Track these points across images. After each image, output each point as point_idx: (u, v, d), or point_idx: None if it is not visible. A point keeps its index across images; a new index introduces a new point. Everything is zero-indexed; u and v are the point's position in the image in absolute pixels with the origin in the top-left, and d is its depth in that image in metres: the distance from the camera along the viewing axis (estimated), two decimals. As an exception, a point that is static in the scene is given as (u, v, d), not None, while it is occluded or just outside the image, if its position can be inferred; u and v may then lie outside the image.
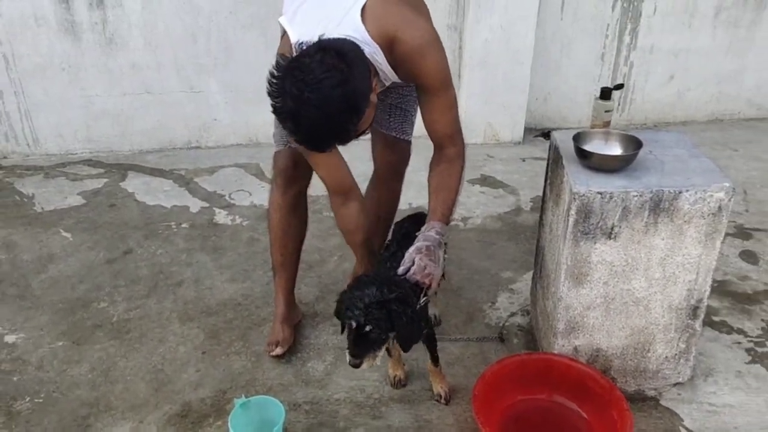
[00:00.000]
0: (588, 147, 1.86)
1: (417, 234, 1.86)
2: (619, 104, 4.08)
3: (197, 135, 3.95)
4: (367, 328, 1.66)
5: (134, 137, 3.89)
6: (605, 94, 2.06)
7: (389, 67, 1.80)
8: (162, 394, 2.12)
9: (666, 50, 3.97)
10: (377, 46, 1.71)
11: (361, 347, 1.68)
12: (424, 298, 1.80)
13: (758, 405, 2.03)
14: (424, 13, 1.90)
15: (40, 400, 2.10)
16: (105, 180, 3.60)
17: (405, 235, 2.02)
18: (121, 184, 3.55)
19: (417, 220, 2.09)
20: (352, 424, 1.98)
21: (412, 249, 1.80)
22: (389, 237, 2.16)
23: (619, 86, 2.27)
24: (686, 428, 1.96)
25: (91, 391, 2.14)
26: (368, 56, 1.69)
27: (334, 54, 1.57)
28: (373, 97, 1.69)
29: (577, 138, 1.90)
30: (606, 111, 2.07)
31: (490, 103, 3.83)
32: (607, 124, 2.08)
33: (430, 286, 1.80)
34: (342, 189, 1.99)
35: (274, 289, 2.35)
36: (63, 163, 3.79)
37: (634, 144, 1.89)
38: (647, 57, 3.98)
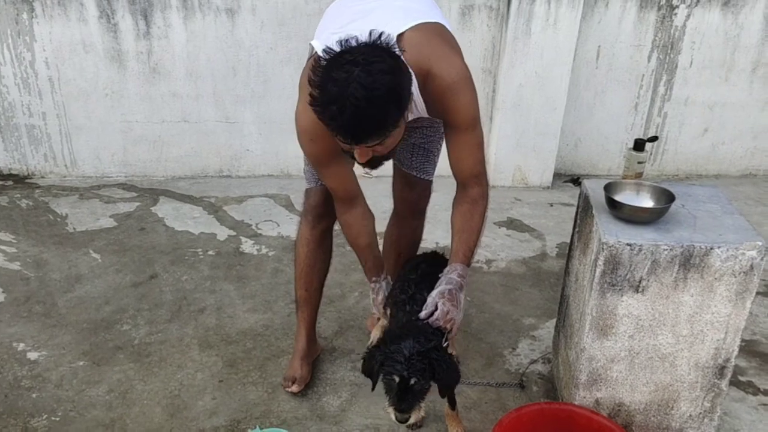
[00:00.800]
0: (619, 198, 1.85)
1: (439, 276, 1.85)
2: (651, 155, 4.06)
3: (229, 164, 4.02)
4: (412, 381, 1.64)
5: (168, 163, 3.98)
6: (639, 145, 2.05)
7: (420, 98, 1.80)
8: (177, 420, 2.12)
9: (701, 103, 3.95)
10: (413, 72, 1.69)
11: (407, 401, 1.66)
12: (446, 343, 1.78)
13: (786, 472, 1.96)
14: (459, 51, 1.88)
15: (57, 419, 2.12)
16: (137, 204, 3.67)
17: (423, 275, 1.99)
18: (152, 208, 3.62)
19: (433, 260, 2.09)
20: (365, 464, 1.96)
21: (435, 293, 1.79)
22: (402, 276, 2.11)
23: (654, 138, 2.26)
24: (710, 492, 1.89)
25: (107, 412, 2.15)
26: None
27: (384, 48, 1.57)
28: (408, 114, 1.68)
29: (609, 188, 1.89)
30: (639, 162, 2.06)
31: (520, 147, 3.84)
32: (639, 175, 2.06)
33: (451, 330, 1.78)
34: (348, 196, 1.99)
35: (297, 323, 2.36)
36: (98, 186, 3.88)
37: (666, 197, 1.87)
38: (682, 109, 3.96)
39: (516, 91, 3.69)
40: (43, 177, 3.94)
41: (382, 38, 1.58)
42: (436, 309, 1.75)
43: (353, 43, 1.56)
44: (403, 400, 1.65)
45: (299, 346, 2.31)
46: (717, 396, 1.92)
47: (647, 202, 1.90)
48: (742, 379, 2.33)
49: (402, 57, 1.63)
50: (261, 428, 1.89)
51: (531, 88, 3.68)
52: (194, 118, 3.86)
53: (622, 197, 1.87)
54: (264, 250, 3.18)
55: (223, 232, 3.37)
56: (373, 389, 1.75)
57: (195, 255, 3.14)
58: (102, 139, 3.88)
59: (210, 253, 3.16)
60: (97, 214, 3.53)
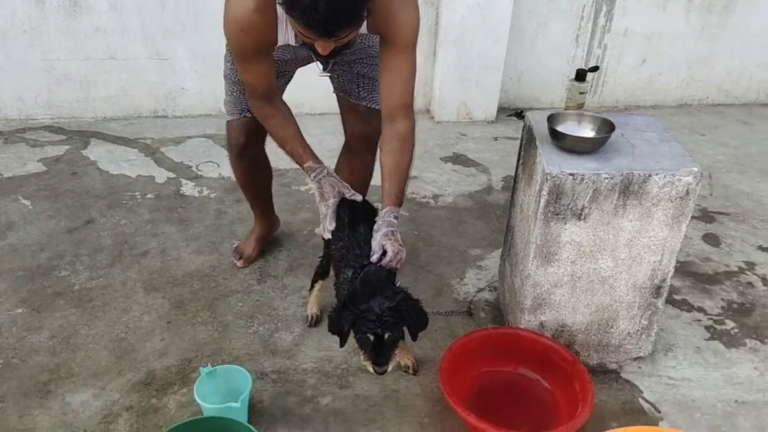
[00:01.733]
0: (561, 128, 1.87)
1: (376, 220, 1.88)
2: (591, 86, 4.11)
3: (164, 103, 3.85)
4: (386, 336, 1.67)
5: (97, 104, 3.79)
6: (580, 76, 2.07)
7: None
8: (125, 362, 2.08)
9: (639, 33, 4.00)
10: None
11: (383, 355, 1.69)
12: (398, 282, 1.82)
13: (715, 379, 2.09)
14: None
15: (-1, 367, 2.06)
16: (66, 147, 3.49)
17: (354, 217, 1.97)
18: (83, 151, 3.46)
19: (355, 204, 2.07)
20: (320, 393, 1.99)
21: (378, 236, 1.81)
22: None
23: (595, 68, 2.27)
24: (645, 400, 2.01)
25: (51, 357, 2.10)
26: None
27: None
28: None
29: (551, 119, 1.91)
30: (580, 93, 2.08)
31: (464, 81, 3.82)
32: (581, 106, 2.09)
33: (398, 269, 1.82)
34: (269, 92, 1.97)
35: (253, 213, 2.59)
36: (23, 129, 3.67)
37: (606, 126, 1.90)
38: (621, 40, 4.01)
39: (458, 23, 3.64)
40: (-38, 121, 3.69)
41: None
42: (384, 252, 1.78)
43: None
44: (380, 354, 1.69)
45: (256, 229, 2.59)
46: (654, 314, 2.02)
47: (588, 132, 1.93)
48: (677, 297, 2.46)
49: None
50: (213, 366, 1.88)
51: (473, 20, 3.63)
52: (122, 54, 3.66)
53: (564, 128, 1.89)
54: (206, 192, 3.10)
55: (161, 175, 3.25)
56: (342, 346, 1.77)
57: (133, 198, 3.03)
58: (24, 79, 3.64)
59: (149, 196, 3.06)
60: (24, 159, 3.34)
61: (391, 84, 1.87)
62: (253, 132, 2.20)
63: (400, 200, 1.90)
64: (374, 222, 1.89)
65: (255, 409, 1.91)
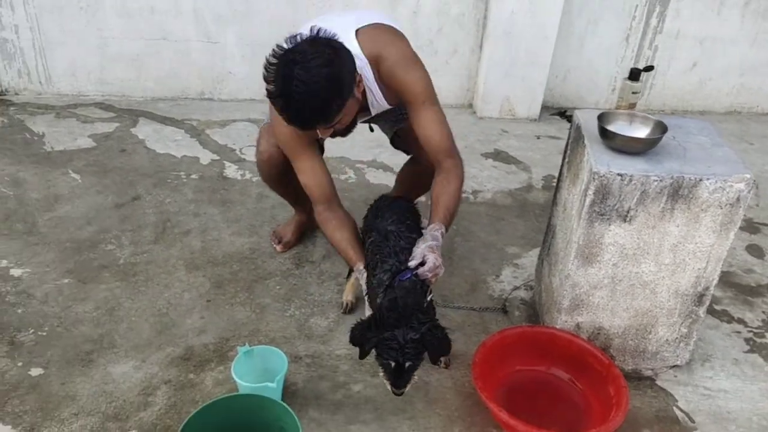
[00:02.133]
0: (612, 128, 1.85)
1: (424, 230, 1.93)
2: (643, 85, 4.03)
3: (210, 86, 3.91)
4: (407, 365, 1.70)
5: (147, 83, 3.86)
6: (634, 75, 2.03)
7: (377, 86, 2.00)
8: (165, 336, 2.14)
9: (692, 36, 3.91)
10: (366, 61, 1.93)
11: (402, 379, 1.73)
12: (431, 296, 1.82)
13: (752, 392, 2.06)
14: (406, 39, 2.05)
15: (44, 333, 2.13)
16: (116, 124, 3.58)
17: (400, 224, 2.00)
18: (132, 129, 3.54)
19: (400, 207, 2.10)
20: (352, 380, 2.01)
21: (423, 246, 1.83)
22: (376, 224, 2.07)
23: (649, 68, 2.21)
24: (680, 408, 1.99)
25: (95, 328, 2.16)
26: (358, 69, 1.86)
27: (323, 42, 1.76)
28: (356, 92, 1.85)
29: (602, 118, 1.88)
30: (633, 93, 2.04)
31: (509, 77, 3.78)
32: (632, 105, 2.05)
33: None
34: (325, 198, 2.09)
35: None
36: (75, 104, 3.77)
37: (658, 128, 1.87)
38: (672, 42, 3.91)
39: (508, 18, 3.60)
40: (17, 94, 3.80)
41: (320, 33, 1.77)
42: (424, 262, 1.79)
43: (298, 39, 1.76)
44: (399, 378, 1.72)
45: (296, 217, 2.62)
46: (694, 322, 1.99)
47: (640, 132, 1.90)
48: (717, 308, 2.42)
49: (343, 46, 1.80)
50: (250, 346, 1.92)
51: (523, 15, 3.59)
52: (174, 36, 3.73)
53: (615, 127, 1.87)
54: (248, 175, 3.15)
55: (206, 156, 3.31)
56: (361, 358, 1.79)
57: (178, 178, 3.09)
58: (78, 55, 3.73)
59: (193, 176, 3.12)
60: (75, 134, 3.44)
61: (426, 138, 2.01)
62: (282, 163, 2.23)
63: (447, 221, 1.94)
64: (414, 223, 1.95)
65: (288, 392, 1.95)
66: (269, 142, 2.25)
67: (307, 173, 2.08)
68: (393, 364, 1.70)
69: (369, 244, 2.00)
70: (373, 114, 2.15)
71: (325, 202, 2.09)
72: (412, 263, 1.80)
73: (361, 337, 1.77)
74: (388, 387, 1.76)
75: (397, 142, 2.44)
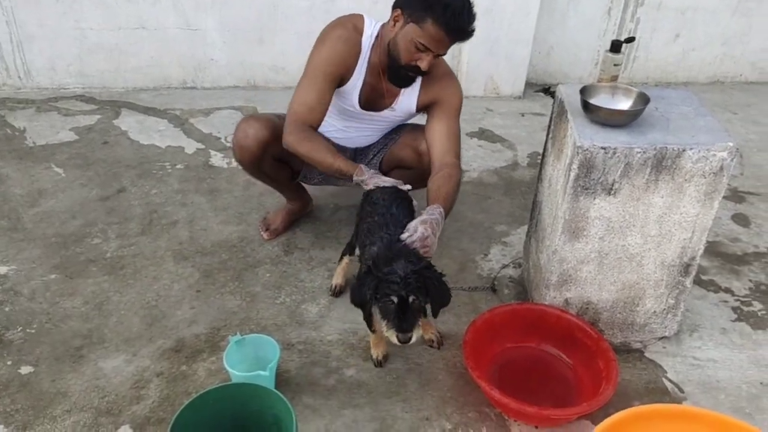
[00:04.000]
0: (594, 101, 1.84)
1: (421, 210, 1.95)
2: (625, 57, 4.02)
3: (193, 75, 3.87)
4: (410, 299, 1.67)
5: (128, 74, 3.82)
6: (615, 47, 2.01)
7: (419, 85, 2.21)
8: (156, 329, 2.13)
9: (674, 7, 3.90)
10: None
11: (407, 320, 1.68)
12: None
13: (741, 361, 2.08)
14: None
15: (33, 331, 2.11)
16: (98, 116, 3.54)
17: (393, 199, 2.01)
18: (114, 121, 3.50)
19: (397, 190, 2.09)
20: (344, 365, 2.02)
21: (417, 220, 1.85)
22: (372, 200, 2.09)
23: (630, 39, 2.18)
24: (669, 380, 2.01)
25: (84, 323, 2.15)
26: None
27: None
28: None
29: (584, 91, 1.88)
30: (615, 65, 2.03)
31: (493, 55, 3.77)
32: (614, 78, 2.04)
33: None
34: (313, 123, 2.13)
35: None
36: (55, 98, 3.72)
37: (640, 99, 1.87)
38: (654, 14, 3.91)
39: (489, -5, 3.58)
40: (-5, 89, 3.75)
41: None
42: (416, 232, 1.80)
43: None
44: (404, 319, 1.68)
45: (286, 205, 2.63)
46: (681, 293, 2.00)
47: (622, 104, 1.90)
48: (704, 278, 2.44)
49: None
50: (241, 335, 1.92)
51: (504, -8, 3.57)
52: (152, 24, 3.67)
53: (598, 100, 1.86)
54: (234, 164, 3.11)
55: (191, 146, 3.29)
56: (366, 317, 1.78)
57: (163, 168, 3.07)
58: (56, 48, 3.68)
59: (179, 166, 3.09)
60: (56, 128, 3.40)
61: (441, 142, 2.16)
62: (267, 143, 2.25)
63: (446, 205, 1.98)
64: (408, 209, 1.97)
65: (281, 379, 1.95)
66: (244, 132, 2.25)
67: (315, 96, 2.10)
68: (396, 300, 1.66)
69: (362, 230, 2.00)
70: (385, 116, 2.30)
71: (309, 123, 2.13)
72: (404, 235, 1.80)
73: (360, 289, 1.74)
74: (393, 339, 1.70)
75: (386, 165, 2.47)
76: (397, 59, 2.05)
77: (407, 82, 2.16)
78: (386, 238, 1.84)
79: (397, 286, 1.66)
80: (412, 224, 1.84)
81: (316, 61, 2.11)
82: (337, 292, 2.29)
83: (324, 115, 2.16)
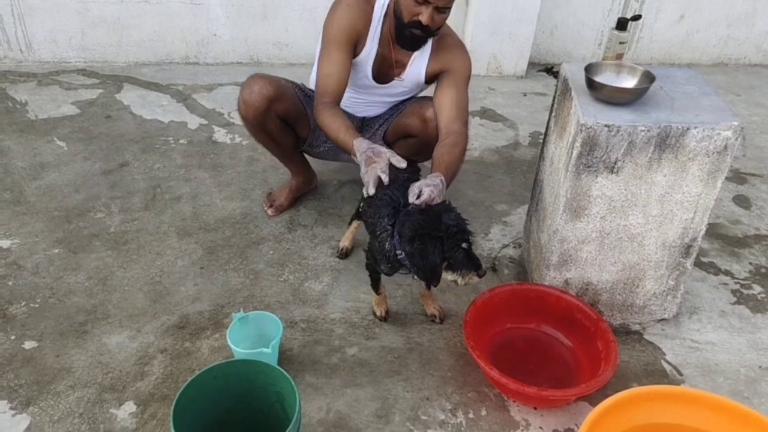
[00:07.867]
0: (599, 78, 1.84)
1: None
2: (631, 35, 3.99)
3: (195, 50, 3.84)
4: (464, 245, 1.72)
5: (130, 48, 3.79)
6: (622, 24, 1.99)
7: (429, 53, 2.23)
8: (160, 305, 2.15)
9: (679, -13, 3.87)
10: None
11: (475, 257, 1.75)
12: None
13: (740, 344, 2.10)
14: None
15: (36, 305, 2.12)
16: (100, 91, 3.52)
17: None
18: (116, 95, 3.49)
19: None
20: (347, 343, 2.03)
21: (420, 182, 1.84)
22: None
23: (637, 17, 2.14)
24: (668, 362, 2.03)
25: (88, 298, 2.16)
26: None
27: None
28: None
29: (589, 69, 1.87)
30: (620, 43, 2.01)
31: (496, 34, 3.74)
32: (620, 56, 2.02)
33: None
34: (336, 93, 2.15)
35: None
36: (57, 71, 3.70)
37: (645, 78, 1.86)
38: (660, -7, 3.88)
39: (494, -27, 3.54)
40: (-4, 62, 3.73)
41: None
42: (420, 195, 1.79)
43: None
44: (474, 258, 1.74)
45: (290, 182, 2.63)
46: (681, 274, 2.01)
47: (627, 82, 1.89)
48: (704, 260, 2.45)
49: None
50: (245, 312, 1.93)
51: (509, -30, 3.53)
52: (155, -2, 3.64)
53: (602, 78, 1.86)
54: (238, 139, 3.12)
55: (194, 121, 3.28)
56: (436, 284, 1.79)
57: (166, 143, 3.07)
58: (58, 20, 3.64)
59: (182, 141, 3.09)
60: (58, 101, 3.38)
61: (449, 110, 2.15)
62: (273, 99, 2.25)
63: (447, 175, 1.96)
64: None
65: (284, 357, 1.96)
66: (250, 88, 2.25)
67: (333, 65, 2.14)
68: (466, 246, 1.71)
69: (369, 213, 1.97)
70: (393, 87, 2.32)
71: (331, 96, 2.14)
72: (411, 197, 1.80)
73: (428, 258, 1.71)
74: (472, 280, 1.75)
75: (391, 135, 2.47)
76: (401, 18, 2.06)
77: (415, 44, 2.15)
78: (394, 211, 1.82)
79: (462, 234, 1.71)
80: (416, 185, 1.82)
81: (329, 32, 2.15)
82: (343, 255, 2.35)
83: (347, 81, 2.18)
